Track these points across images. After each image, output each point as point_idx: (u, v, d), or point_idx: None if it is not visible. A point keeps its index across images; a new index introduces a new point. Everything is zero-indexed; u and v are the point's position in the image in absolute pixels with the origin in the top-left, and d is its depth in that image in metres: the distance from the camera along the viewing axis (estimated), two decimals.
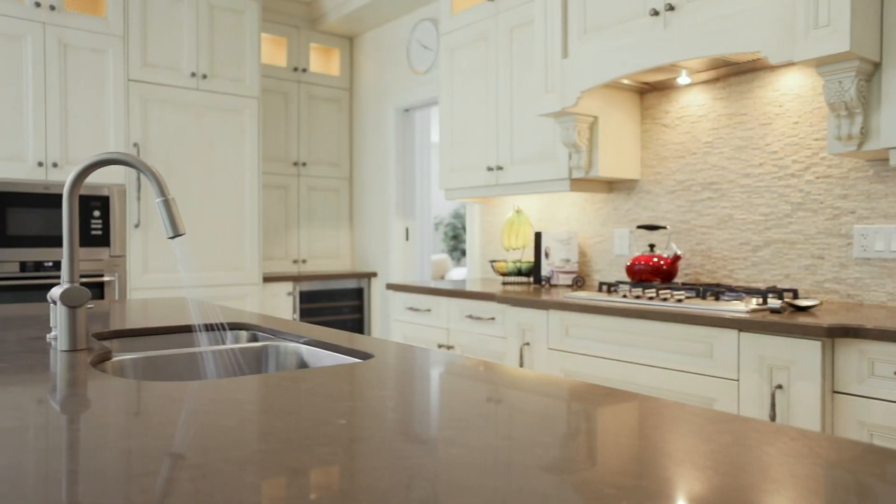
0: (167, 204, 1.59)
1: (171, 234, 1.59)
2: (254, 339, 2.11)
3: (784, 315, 2.42)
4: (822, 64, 2.49)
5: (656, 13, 2.90)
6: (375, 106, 6.05)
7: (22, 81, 4.30)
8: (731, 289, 2.94)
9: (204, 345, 2.11)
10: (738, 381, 2.43)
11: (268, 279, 5.43)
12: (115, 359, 1.62)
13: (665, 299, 2.87)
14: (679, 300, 2.82)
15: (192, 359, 1.74)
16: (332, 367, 1.40)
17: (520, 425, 0.97)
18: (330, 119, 6.21)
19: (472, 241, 4.91)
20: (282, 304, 5.52)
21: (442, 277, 12.15)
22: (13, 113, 4.27)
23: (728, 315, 2.46)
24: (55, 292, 1.62)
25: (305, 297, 5.69)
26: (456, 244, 14.01)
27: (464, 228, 14.00)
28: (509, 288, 3.79)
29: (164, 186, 1.60)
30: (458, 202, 13.96)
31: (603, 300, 2.98)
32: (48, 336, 1.78)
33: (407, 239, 5.84)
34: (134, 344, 2.00)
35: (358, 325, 6.05)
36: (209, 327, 2.10)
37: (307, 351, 1.83)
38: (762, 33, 2.54)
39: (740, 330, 2.42)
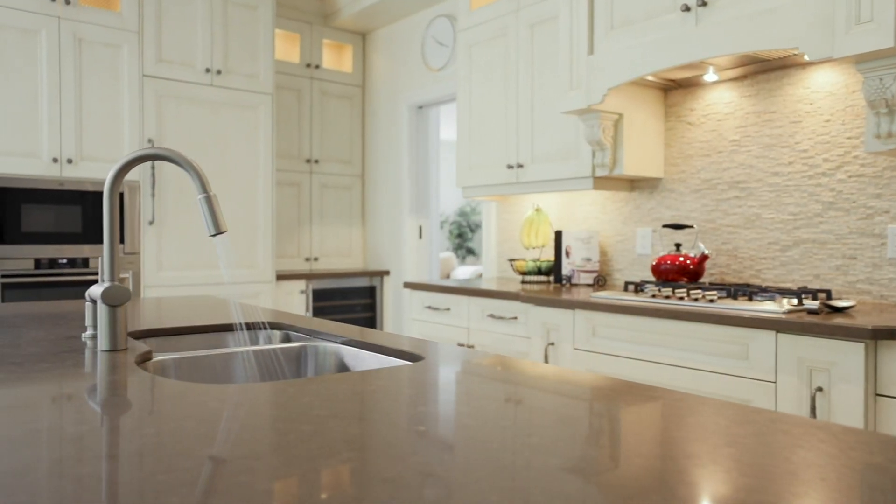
0: (209, 201, 1.55)
1: (212, 232, 1.55)
2: (287, 338, 2.07)
3: (821, 316, 2.38)
4: (862, 60, 2.44)
5: (688, 9, 2.85)
6: (388, 103, 6.01)
7: (37, 76, 4.26)
8: (762, 289, 2.90)
9: (239, 344, 2.07)
10: (775, 383, 2.39)
11: (281, 277, 5.39)
12: (155, 359, 1.58)
13: (696, 299, 2.82)
14: (711, 300, 2.78)
15: (233, 359, 1.70)
16: (389, 369, 1.36)
17: (627, 433, 0.93)
18: (342, 116, 6.17)
19: (487, 239, 4.87)
20: (295, 302, 5.48)
21: (447, 276, 12.10)
22: (28, 108, 4.23)
23: (765, 315, 2.42)
24: (95, 291, 1.58)
25: (318, 296, 5.65)
26: (461, 242, 13.96)
27: (469, 227, 13.95)
28: (529, 287, 3.75)
29: (206, 183, 1.56)
30: (463, 200, 13.92)
31: (632, 300, 2.94)
32: (83, 335, 1.74)
33: (420, 237, 5.79)
34: (167, 343, 1.96)
35: (370, 323, 6.01)
36: (249, 327, 2.06)
37: (347, 352, 1.79)
38: (800, 29, 2.50)
39: (778, 331, 2.38)
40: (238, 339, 2.08)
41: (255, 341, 2.09)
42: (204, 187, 1.55)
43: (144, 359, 1.53)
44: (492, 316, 3.63)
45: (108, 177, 1.57)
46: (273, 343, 2.07)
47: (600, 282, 3.87)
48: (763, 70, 3.22)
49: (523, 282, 4.11)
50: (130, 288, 4.56)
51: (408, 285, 4.23)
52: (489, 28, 4.21)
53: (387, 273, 6.00)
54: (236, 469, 0.76)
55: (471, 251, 14.07)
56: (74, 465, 0.77)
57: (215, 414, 1.01)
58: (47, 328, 1.94)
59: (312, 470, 0.76)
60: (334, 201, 6.13)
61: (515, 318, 3.51)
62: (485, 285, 3.89)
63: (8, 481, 0.71)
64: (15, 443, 0.85)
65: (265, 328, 2.04)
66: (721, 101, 3.42)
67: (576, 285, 3.86)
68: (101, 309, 1.55)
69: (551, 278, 4.20)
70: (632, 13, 3.15)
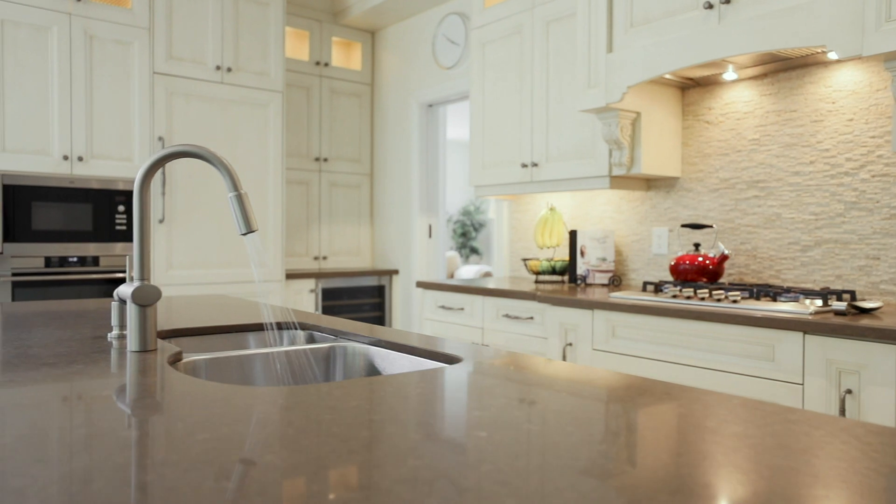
0: (240, 199, 1.52)
1: (243, 231, 1.53)
2: (311, 339, 2.04)
3: (849, 318, 2.35)
4: (890, 59, 2.41)
5: (710, 6, 2.82)
6: (397, 101, 5.98)
7: (48, 73, 4.23)
8: (786, 289, 2.87)
9: (262, 345, 2.04)
10: (802, 385, 2.36)
11: (290, 276, 5.36)
12: (185, 359, 1.55)
13: (719, 300, 2.79)
14: (734, 301, 2.75)
15: (263, 360, 1.68)
16: (431, 371, 1.33)
17: (712, 441, 0.90)
18: (351, 114, 6.14)
19: (499, 239, 4.84)
20: (304, 301, 5.45)
21: (451, 275, 12.06)
22: (39, 106, 4.20)
23: (792, 317, 2.39)
24: (124, 290, 1.55)
25: (326, 295, 5.62)
26: (465, 241, 13.93)
27: (472, 226, 13.91)
28: (543, 287, 3.72)
29: (237, 181, 1.53)
30: (467, 199, 13.89)
31: (653, 300, 2.91)
32: (109, 335, 1.71)
33: (430, 236, 5.76)
34: (191, 343, 1.93)
35: (379, 322, 5.98)
36: (280, 327, 2.03)
37: (376, 353, 1.76)
38: (827, 27, 2.47)
39: (806, 332, 2.35)
40: (260, 340, 2.05)
41: (279, 342, 2.06)
42: (235, 185, 1.53)
43: (175, 359, 1.50)
44: (507, 316, 3.60)
45: (139, 175, 1.54)
46: (297, 343, 2.05)
47: (616, 282, 3.84)
48: (784, 68, 3.19)
49: (537, 281, 4.08)
50: None
51: (420, 284, 4.20)
52: (503, 26, 4.18)
53: (395, 272, 5.97)
54: (303, 476, 0.73)
55: (474, 250, 14.04)
56: (137, 472, 0.74)
57: (266, 419, 0.98)
58: (71, 328, 1.92)
59: (384, 478, 0.73)
60: (343, 200, 6.10)
61: (531, 318, 3.48)
62: (498, 285, 3.86)
63: (75, 489, 0.69)
64: (73, 447, 0.83)
65: (296, 328, 2.01)
66: (740, 99, 3.39)
67: (591, 285, 3.83)
68: (131, 309, 1.52)
69: (565, 278, 4.17)
70: (652, 11, 3.12)
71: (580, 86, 3.42)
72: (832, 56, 2.92)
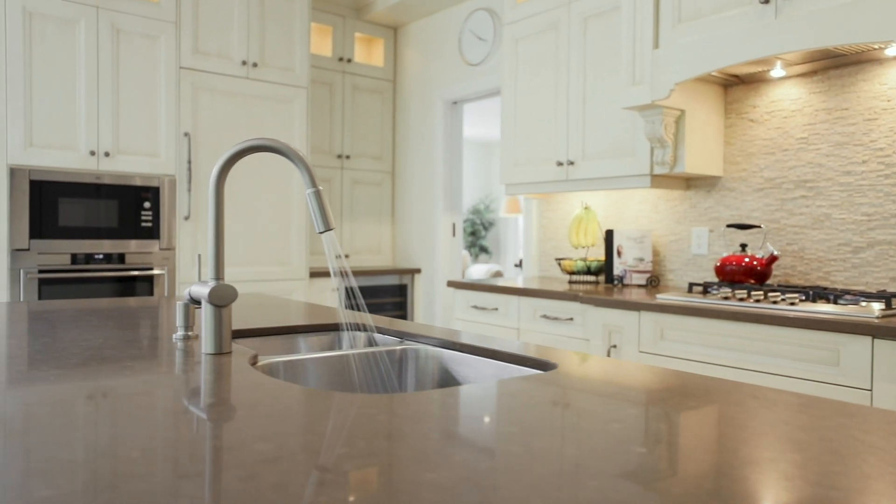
0: (318, 196, 1.46)
1: (321, 230, 1.46)
2: (372, 341, 1.97)
3: None
4: None
5: (767, 1, 2.75)
6: (420, 98, 5.91)
7: (75, 68, 4.16)
8: (845, 291, 2.79)
9: (337, 347, 1.97)
10: (871, 390, 2.30)
11: (313, 274, 5.30)
12: (262, 362, 1.48)
13: (775, 302, 2.72)
14: (792, 303, 2.68)
15: (339, 362, 1.61)
16: (535, 379, 1.26)
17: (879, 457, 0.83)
18: (373, 111, 6.07)
19: (529, 238, 4.77)
20: (327, 300, 5.38)
21: (461, 275, 11.98)
22: (66, 101, 4.13)
23: (859, 320, 2.32)
24: (199, 290, 1.48)
25: (348, 293, 5.55)
26: (474, 240, 13.86)
27: (483, 225, 13.84)
28: (578, 287, 3.65)
29: (314, 177, 1.46)
30: (477, 198, 13.82)
31: (704, 302, 2.83)
32: (174, 336, 1.64)
33: (454, 235, 5.70)
34: (253, 344, 1.86)
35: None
36: (355, 328, 1.97)
37: (449, 356, 1.69)
38: (893, 20, 2.40)
39: (874, 336, 2.28)
40: (316, 342, 1.98)
41: (339, 344, 1.99)
42: (313, 182, 1.46)
43: (253, 362, 1.44)
44: (545, 317, 3.53)
45: (215, 169, 1.47)
46: (358, 346, 1.98)
47: (654, 282, 3.77)
48: (835, 65, 3.12)
49: (571, 282, 4.01)
50: (166, 284, 4.47)
51: (452, 284, 4.13)
52: (538, 21, 4.11)
53: (418, 271, 5.90)
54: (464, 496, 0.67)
55: (484, 249, 13.97)
56: (273, 490, 0.67)
57: (387, 427, 0.91)
58: (130, 328, 1.85)
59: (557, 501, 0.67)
60: (365, 197, 6.03)
61: (571, 318, 3.42)
62: (530, 284, 3.79)
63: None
64: (207, 463, 0.76)
65: (372, 330, 1.94)
66: (787, 97, 3.32)
67: (628, 286, 3.76)
68: (207, 309, 1.46)
69: (601, 278, 4.10)
70: (701, 6, 3.04)
71: (623, 83, 3.35)
72: (890, 52, 2.85)
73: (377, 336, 1.95)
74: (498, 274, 11.81)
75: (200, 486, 0.69)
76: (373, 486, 0.69)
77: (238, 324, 1.96)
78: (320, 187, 1.47)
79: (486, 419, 0.97)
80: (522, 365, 1.50)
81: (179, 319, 1.64)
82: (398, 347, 1.73)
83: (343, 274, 5.38)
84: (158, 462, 0.76)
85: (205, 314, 1.47)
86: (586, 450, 0.83)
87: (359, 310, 5.52)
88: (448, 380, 1.68)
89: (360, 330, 1.96)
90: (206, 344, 1.47)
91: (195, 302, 1.56)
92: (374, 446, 0.83)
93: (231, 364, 1.35)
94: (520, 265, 11.66)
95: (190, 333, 1.64)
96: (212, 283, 1.46)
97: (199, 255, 1.56)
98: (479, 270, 11.92)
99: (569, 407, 1.05)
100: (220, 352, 1.47)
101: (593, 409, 1.03)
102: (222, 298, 1.46)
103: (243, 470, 0.74)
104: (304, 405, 1.04)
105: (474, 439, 0.87)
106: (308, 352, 1.70)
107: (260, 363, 1.48)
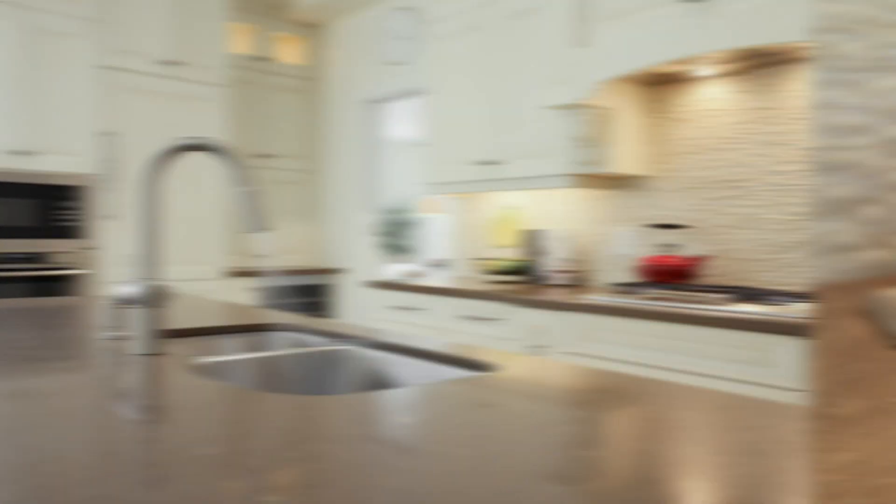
0: (253, 196, 1.34)
1: (254, 230, 1.34)
2: (300, 342, 1.84)
3: None
4: None
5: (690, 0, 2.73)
6: (342, 97, 5.77)
7: None
8: (775, 292, 2.79)
9: (249, 348, 1.84)
10: (802, 391, 2.28)
11: (232, 274, 5.10)
12: (194, 362, 1.36)
13: (701, 302, 2.70)
14: (719, 303, 2.66)
15: (270, 363, 1.50)
16: (477, 380, 1.16)
17: None
18: (296, 110, 5.89)
19: (452, 238, 4.69)
20: (245, 300, 5.19)
21: (381, 274, 11.86)
22: None
23: (787, 320, 2.31)
24: (128, 290, 1.36)
25: (270, 293, 5.37)
26: (392, 240, 13.76)
27: (402, 224, 13.74)
28: (502, 287, 3.58)
29: (249, 177, 1.34)
30: (399, 198, 13.72)
31: (632, 303, 2.80)
32: (104, 336, 1.52)
33: (372, 234, 5.58)
34: (184, 345, 1.71)
35: None
36: (286, 329, 1.84)
37: (379, 356, 1.58)
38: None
39: (803, 336, 2.27)
40: (247, 342, 1.84)
41: (269, 344, 1.86)
42: (248, 182, 1.34)
43: (186, 363, 1.31)
44: (469, 317, 3.45)
45: (147, 169, 1.35)
46: (285, 347, 1.85)
47: (578, 282, 3.74)
48: (762, 65, 3.13)
49: (494, 282, 3.94)
50: (90, 285, 4.22)
51: (373, 284, 4.02)
52: (461, 20, 4.03)
53: (340, 271, 5.77)
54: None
55: (401, 249, 13.90)
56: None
57: (317, 429, 0.80)
58: (56, 328, 1.68)
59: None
60: (286, 197, 5.85)
61: (496, 319, 3.34)
62: (452, 284, 3.71)
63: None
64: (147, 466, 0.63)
65: (303, 331, 1.82)
66: (714, 96, 3.32)
67: (552, 286, 3.71)
68: (139, 310, 1.33)
69: (525, 278, 4.04)
70: (625, 4, 3.02)
71: (546, 82, 3.30)
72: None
73: (307, 337, 1.83)
74: (417, 274, 11.75)
75: (132, 490, 0.56)
76: (299, 488, 0.58)
77: (167, 323, 1.81)
78: (255, 188, 1.35)
79: (415, 421, 0.87)
80: (456, 366, 1.40)
81: (108, 320, 1.51)
82: (330, 348, 1.61)
83: (266, 273, 5.20)
84: (95, 468, 0.65)
85: (137, 315, 1.34)
86: (513, 451, 0.74)
87: (283, 310, 5.35)
88: (380, 381, 1.57)
89: (290, 331, 1.84)
90: (137, 345, 1.34)
91: (125, 302, 1.43)
92: (304, 450, 0.72)
93: (164, 365, 1.23)
94: (439, 265, 11.63)
95: (120, 334, 1.52)
96: (144, 284, 1.33)
97: (130, 256, 1.43)
98: (397, 270, 11.82)
99: (498, 407, 0.96)
100: (153, 353, 1.34)
101: (519, 409, 0.94)
102: (155, 299, 1.33)
103: (181, 472, 0.62)
104: (240, 407, 0.93)
105: (407, 442, 0.77)
106: (239, 352, 1.57)
107: (192, 363, 1.35)
